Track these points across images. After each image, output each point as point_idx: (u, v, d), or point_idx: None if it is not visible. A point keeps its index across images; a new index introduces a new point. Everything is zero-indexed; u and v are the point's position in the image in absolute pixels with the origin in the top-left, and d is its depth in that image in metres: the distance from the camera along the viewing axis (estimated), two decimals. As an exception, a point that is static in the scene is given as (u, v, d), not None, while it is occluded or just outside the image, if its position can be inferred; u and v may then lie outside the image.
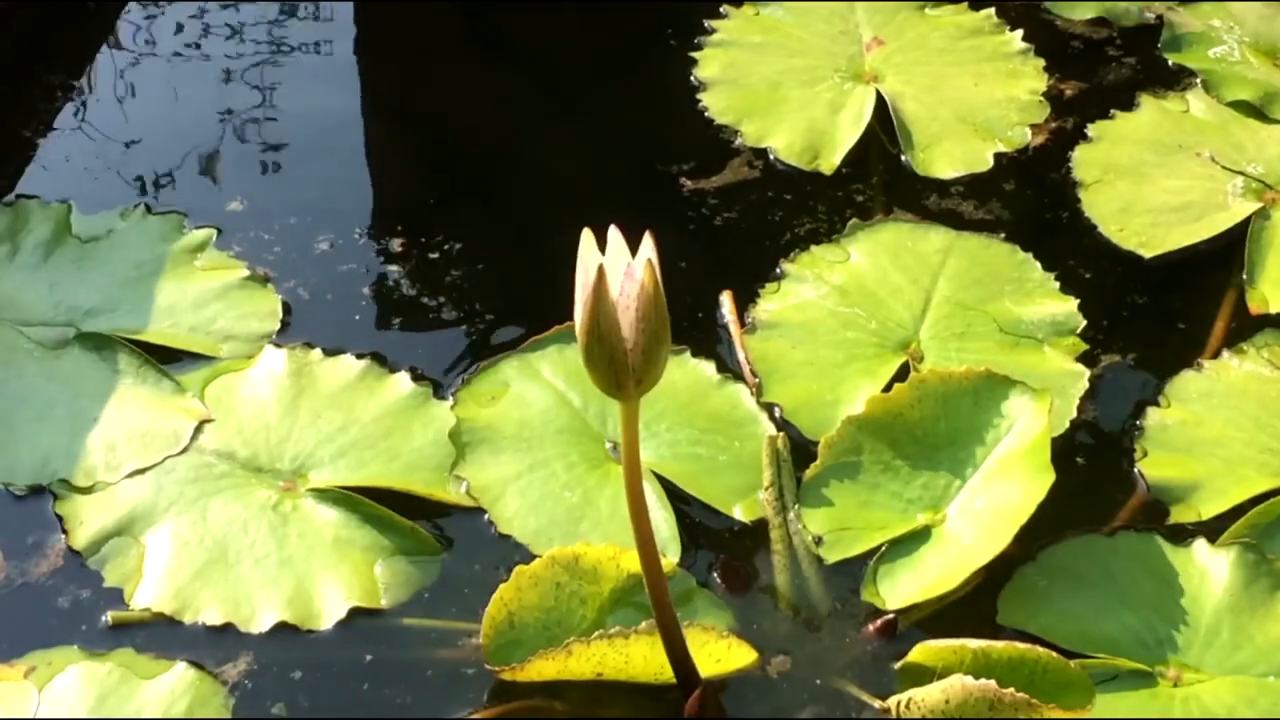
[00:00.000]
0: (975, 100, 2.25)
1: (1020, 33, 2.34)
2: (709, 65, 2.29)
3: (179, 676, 1.55)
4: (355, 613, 1.63)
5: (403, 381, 1.82)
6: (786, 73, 2.28)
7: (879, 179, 2.15)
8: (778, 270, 1.97)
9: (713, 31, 2.34)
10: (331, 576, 1.65)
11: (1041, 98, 2.26)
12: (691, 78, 2.27)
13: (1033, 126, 2.22)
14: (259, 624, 1.61)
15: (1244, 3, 2.38)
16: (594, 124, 2.28)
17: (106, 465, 1.73)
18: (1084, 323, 1.91)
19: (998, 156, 2.18)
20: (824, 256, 1.99)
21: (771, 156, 2.16)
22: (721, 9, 2.37)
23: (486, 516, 1.71)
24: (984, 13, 2.38)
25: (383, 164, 2.21)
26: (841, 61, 2.29)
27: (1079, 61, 2.36)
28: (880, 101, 2.22)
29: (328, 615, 1.62)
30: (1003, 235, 2.03)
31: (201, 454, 1.75)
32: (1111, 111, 2.22)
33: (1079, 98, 2.29)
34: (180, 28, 2.42)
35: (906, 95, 2.24)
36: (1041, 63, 2.31)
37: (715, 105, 2.23)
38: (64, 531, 1.68)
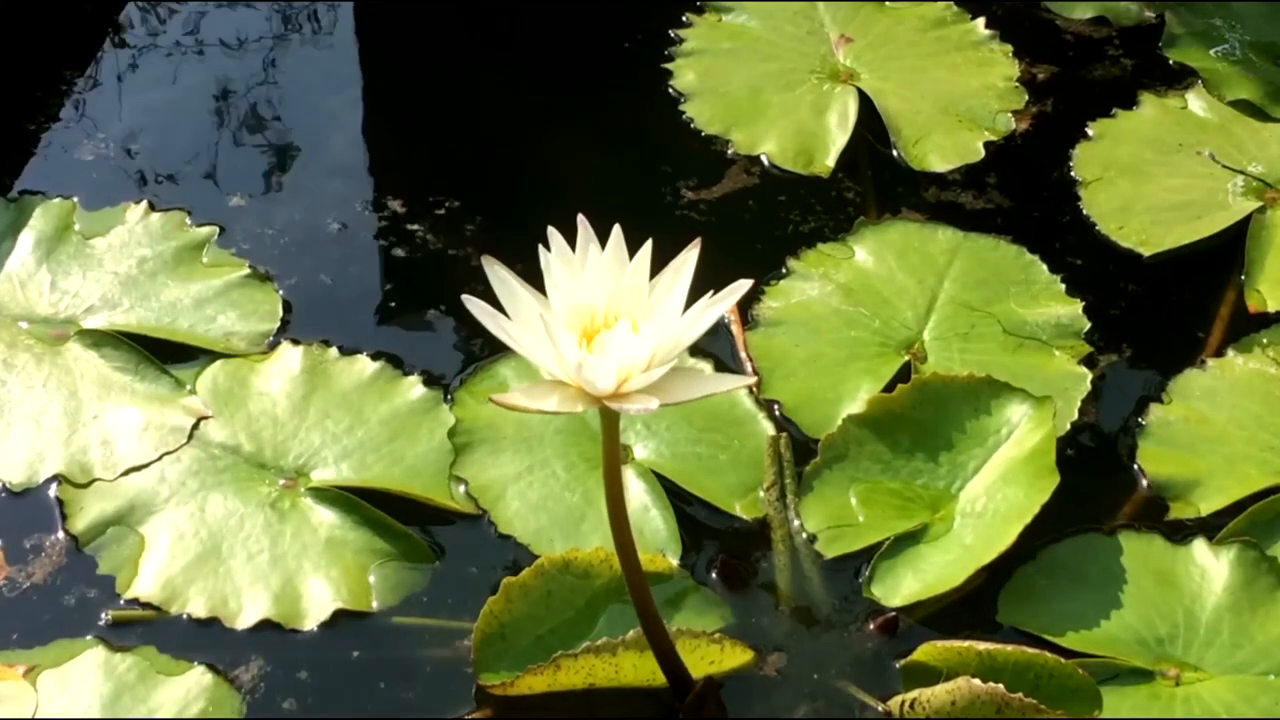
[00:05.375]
0: (954, 91, 2.25)
1: (983, 20, 2.34)
2: (684, 75, 2.27)
3: (195, 680, 1.55)
4: (348, 614, 1.62)
5: (414, 385, 1.82)
6: (764, 78, 2.26)
7: (875, 178, 2.15)
8: (783, 269, 1.97)
9: (681, 41, 2.32)
10: (321, 577, 1.64)
11: (1017, 83, 2.26)
12: (669, 88, 2.26)
13: (1015, 113, 2.22)
14: (244, 620, 1.61)
15: (1245, 1, 2.38)
16: (584, 133, 2.26)
17: (104, 463, 1.73)
18: (1089, 325, 1.91)
19: (987, 145, 2.18)
20: (830, 254, 1.99)
21: (766, 163, 2.15)
22: (684, 18, 2.36)
23: (487, 518, 1.71)
24: (943, 3, 2.38)
25: (383, 161, 2.21)
26: (815, 62, 2.29)
27: (1052, 45, 2.36)
28: (863, 99, 2.21)
29: (313, 615, 1.62)
30: (1010, 237, 2.02)
31: (207, 446, 1.75)
32: (1113, 110, 2.22)
33: (1052, 81, 2.30)
34: (181, 23, 2.41)
35: (886, 91, 2.23)
36: (1010, 48, 2.31)
37: (700, 115, 2.21)
38: (64, 516, 1.69)
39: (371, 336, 1.92)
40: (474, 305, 1.31)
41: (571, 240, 1.34)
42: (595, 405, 1.30)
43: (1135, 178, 2.13)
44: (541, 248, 1.33)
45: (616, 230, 1.34)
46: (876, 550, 1.68)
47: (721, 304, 1.31)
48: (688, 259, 1.34)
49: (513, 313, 1.32)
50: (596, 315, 1.33)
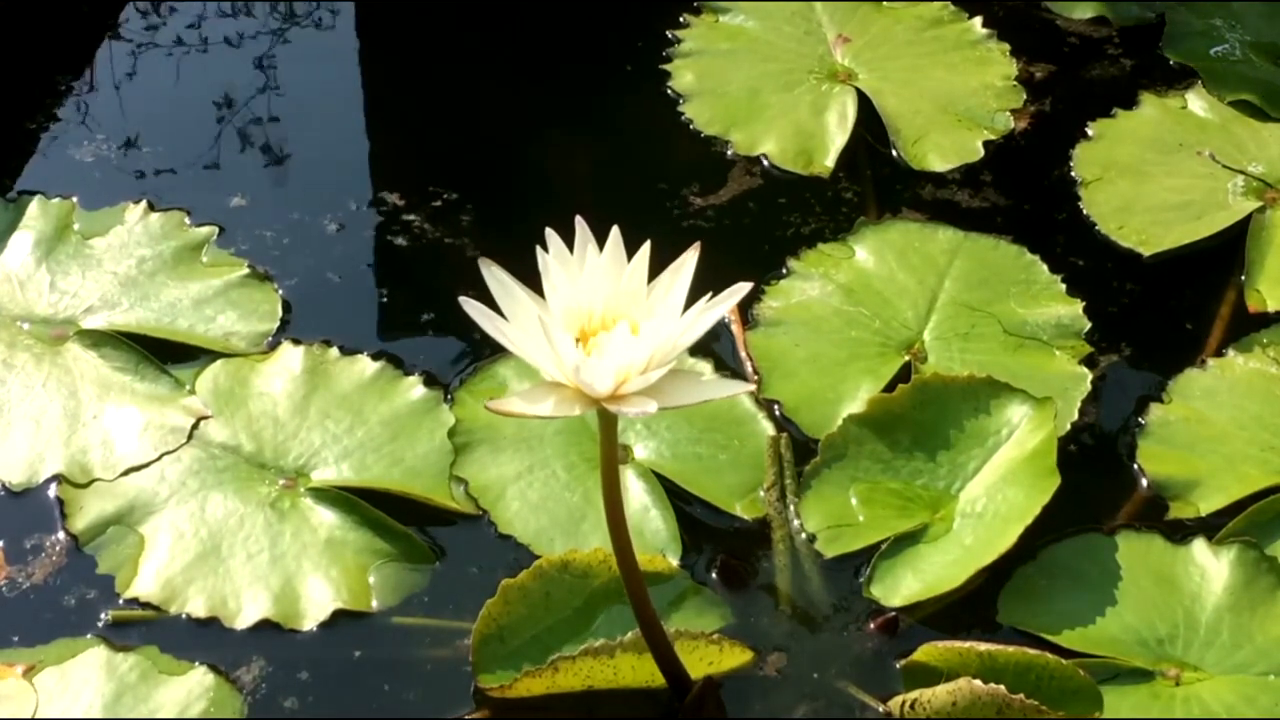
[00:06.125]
0: (952, 90, 2.25)
1: (980, 19, 2.34)
2: (683, 76, 2.26)
3: (197, 680, 1.55)
4: (348, 614, 1.62)
5: (414, 386, 1.82)
6: (762, 78, 2.26)
7: (875, 177, 2.14)
8: (783, 269, 1.97)
9: (679, 41, 2.32)
10: (320, 577, 1.64)
11: (1015, 82, 2.26)
12: (668, 89, 2.25)
13: (1013, 112, 2.22)
14: (244, 620, 1.61)
15: (1245, 1, 2.38)
16: (584, 136, 2.26)
17: (103, 463, 1.73)
18: (1089, 325, 1.91)
19: (986, 145, 2.18)
20: (830, 254, 1.99)
21: (766, 163, 2.15)
22: (682, 18, 2.36)
23: (487, 518, 1.71)
24: (940, 2, 2.38)
25: (383, 161, 2.21)
26: (813, 62, 2.28)
27: (1051, 45, 2.36)
28: (862, 99, 2.21)
29: (313, 616, 1.62)
30: (1010, 237, 2.01)
31: (207, 446, 1.75)
32: (1112, 109, 2.22)
33: (1051, 80, 2.30)
34: (181, 23, 2.41)
35: (885, 91, 2.23)
36: (1007, 47, 2.31)
37: (699, 116, 2.20)
38: (63, 516, 1.69)
39: (372, 336, 1.92)
40: (471, 307, 1.31)
41: (570, 242, 1.34)
42: (593, 407, 1.30)
43: (1135, 178, 2.13)
44: (539, 249, 1.33)
45: (615, 231, 1.33)
46: (876, 550, 1.67)
47: (720, 306, 1.31)
48: (687, 261, 1.34)
49: (510, 315, 1.32)
50: (594, 317, 1.33)
